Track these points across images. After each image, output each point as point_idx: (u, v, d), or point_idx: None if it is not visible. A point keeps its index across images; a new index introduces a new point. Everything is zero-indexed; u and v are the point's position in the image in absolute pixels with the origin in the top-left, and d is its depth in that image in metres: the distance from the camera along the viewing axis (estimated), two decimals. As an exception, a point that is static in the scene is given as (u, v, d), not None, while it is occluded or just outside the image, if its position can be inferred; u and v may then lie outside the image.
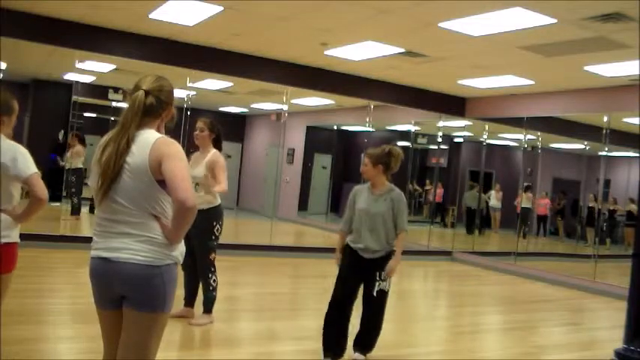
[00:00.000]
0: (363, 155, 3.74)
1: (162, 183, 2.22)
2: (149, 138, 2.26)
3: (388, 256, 4.19)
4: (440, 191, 14.08)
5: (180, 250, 2.32)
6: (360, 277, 4.19)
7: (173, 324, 4.87)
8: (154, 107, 2.33)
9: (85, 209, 10.16)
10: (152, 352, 2.29)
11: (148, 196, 2.23)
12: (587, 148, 12.32)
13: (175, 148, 2.27)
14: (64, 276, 6.61)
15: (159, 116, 2.37)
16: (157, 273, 2.22)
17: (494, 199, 13.59)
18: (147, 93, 2.31)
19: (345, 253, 4.28)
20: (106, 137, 2.32)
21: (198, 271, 5.00)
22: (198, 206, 5.21)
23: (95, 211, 2.35)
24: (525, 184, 12.61)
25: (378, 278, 4.13)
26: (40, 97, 12.19)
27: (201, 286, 5.06)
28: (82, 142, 10.09)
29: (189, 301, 5.15)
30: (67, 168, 9.97)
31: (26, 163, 2.87)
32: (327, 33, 7.38)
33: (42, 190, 2.85)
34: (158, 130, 2.37)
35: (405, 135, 13.21)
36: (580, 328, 6.74)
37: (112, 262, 2.22)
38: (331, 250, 10.01)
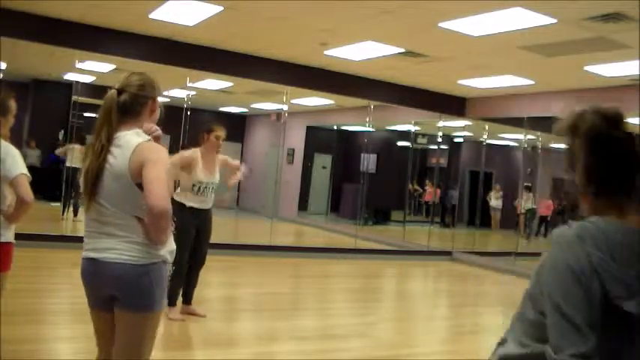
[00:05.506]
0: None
1: (142, 186, 2.18)
2: (131, 141, 2.20)
3: None
4: (440, 191, 14.10)
5: (168, 248, 2.28)
6: None
7: (173, 324, 4.87)
8: (128, 104, 2.25)
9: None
10: (146, 351, 2.27)
11: (129, 199, 2.20)
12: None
13: (159, 153, 2.20)
14: (63, 276, 6.60)
15: (139, 114, 2.28)
16: (144, 272, 2.20)
17: (494, 199, 13.60)
18: (119, 91, 2.26)
19: None
20: (89, 141, 2.30)
21: (198, 266, 5.15)
22: (205, 206, 5.32)
23: (84, 214, 2.33)
24: (526, 184, 12.62)
25: None
26: (40, 97, 12.19)
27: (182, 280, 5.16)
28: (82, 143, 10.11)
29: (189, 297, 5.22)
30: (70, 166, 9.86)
31: (14, 163, 2.83)
32: (327, 33, 7.38)
33: (26, 192, 2.80)
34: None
35: (405, 135, 13.21)
36: (580, 328, 6.72)
37: (100, 262, 2.22)
38: (331, 250, 10.07)
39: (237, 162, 5.45)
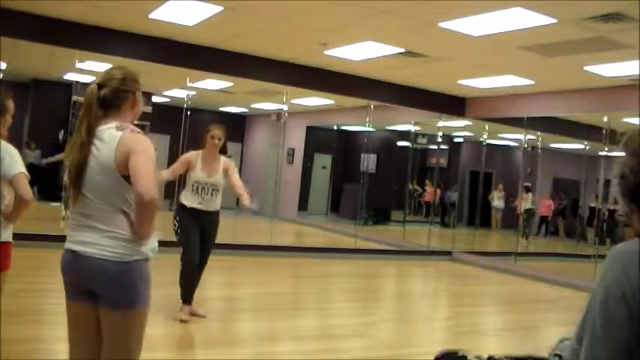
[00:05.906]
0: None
1: (129, 178, 2.18)
2: (114, 134, 2.21)
3: None
4: (440, 191, 14.09)
5: (150, 246, 2.25)
6: None
7: (172, 324, 4.87)
8: (109, 99, 2.26)
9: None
10: (134, 351, 2.24)
11: (115, 192, 2.19)
12: (587, 148, 12.32)
13: (143, 143, 2.21)
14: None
15: (120, 108, 2.29)
16: (127, 269, 2.18)
17: (497, 199, 13.58)
18: (99, 86, 2.26)
19: None
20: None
21: (202, 266, 5.14)
22: (208, 208, 5.31)
23: (70, 207, 2.33)
24: (525, 184, 12.62)
25: None
26: (40, 97, 12.18)
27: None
28: None
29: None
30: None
31: (12, 162, 2.82)
32: (327, 33, 7.38)
33: (25, 190, 2.80)
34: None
35: (405, 135, 13.21)
36: (580, 328, 6.72)
37: (81, 256, 2.19)
38: (331, 250, 10.07)
39: (240, 185, 5.12)
